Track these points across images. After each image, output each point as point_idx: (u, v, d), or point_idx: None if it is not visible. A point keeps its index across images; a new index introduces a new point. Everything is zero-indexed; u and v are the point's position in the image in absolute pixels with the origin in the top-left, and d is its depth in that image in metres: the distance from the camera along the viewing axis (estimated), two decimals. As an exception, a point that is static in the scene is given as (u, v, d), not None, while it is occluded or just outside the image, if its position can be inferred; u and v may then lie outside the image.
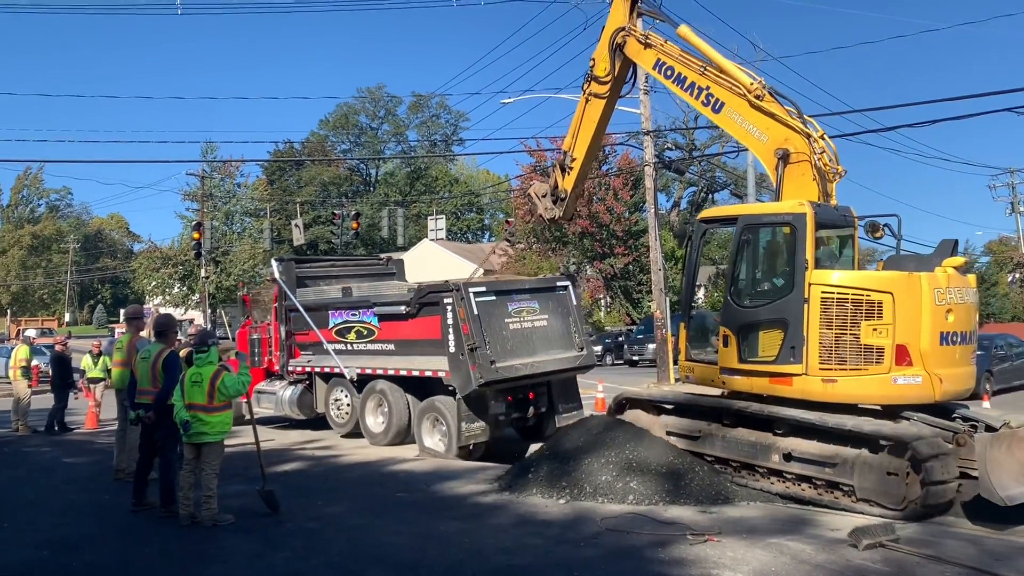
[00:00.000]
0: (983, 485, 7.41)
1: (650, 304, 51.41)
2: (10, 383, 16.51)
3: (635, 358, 34.87)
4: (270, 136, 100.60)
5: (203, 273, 46.19)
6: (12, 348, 19.70)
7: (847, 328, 8.39)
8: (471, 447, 12.03)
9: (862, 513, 7.92)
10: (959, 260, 8.74)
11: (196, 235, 30.78)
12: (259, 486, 8.53)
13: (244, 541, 7.21)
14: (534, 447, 12.35)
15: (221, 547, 7.04)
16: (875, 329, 8.30)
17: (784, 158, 9.08)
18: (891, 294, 8.28)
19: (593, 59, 11.29)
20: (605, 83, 11.12)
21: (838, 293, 8.45)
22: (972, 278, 9.02)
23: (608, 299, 54.79)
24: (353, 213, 32.50)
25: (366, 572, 6.19)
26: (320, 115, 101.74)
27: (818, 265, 8.87)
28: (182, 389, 7.97)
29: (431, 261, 48.51)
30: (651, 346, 34.09)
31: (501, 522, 7.67)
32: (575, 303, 13.24)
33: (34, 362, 16.74)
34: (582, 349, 12.91)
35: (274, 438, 14.26)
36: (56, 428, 15.41)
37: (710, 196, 59.97)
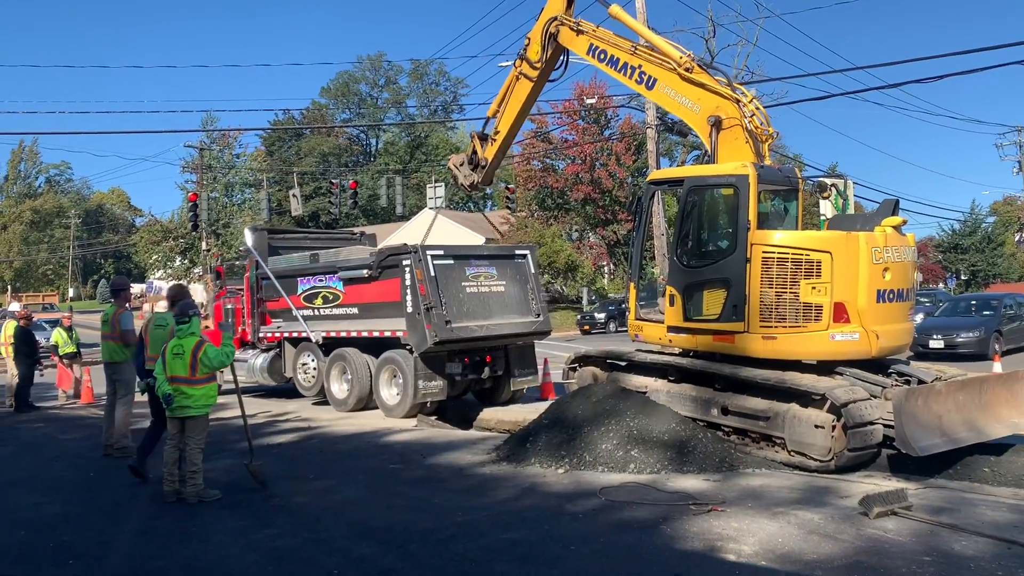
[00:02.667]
0: (898, 436, 7.67)
1: (653, 270, 51.80)
2: (5, 359, 16.58)
3: None
4: (269, 106, 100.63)
5: (204, 246, 46.57)
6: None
7: (787, 287, 8.61)
8: (427, 404, 12.76)
9: (804, 470, 8.18)
10: (897, 219, 8.93)
11: (192, 196, 30.70)
12: (247, 460, 8.40)
13: (229, 518, 7.06)
14: (489, 410, 12.83)
15: (204, 524, 6.85)
16: (814, 287, 8.53)
17: (716, 124, 9.29)
18: (829, 253, 8.49)
19: (528, 38, 11.53)
20: (536, 67, 11.44)
21: (778, 253, 8.65)
22: (910, 236, 9.22)
23: (611, 266, 55.00)
24: (350, 181, 32.69)
25: (353, 549, 6.00)
26: (318, 85, 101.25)
27: (767, 225, 9.13)
28: (164, 362, 7.79)
29: (432, 231, 48.48)
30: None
31: (498, 494, 7.55)
32: (533, 271, 13.87)
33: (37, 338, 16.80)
34: (538, 316, 13.59)
35: (270, 408, 14.51)
36: (25, 407, 15.16)
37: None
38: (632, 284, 10.43)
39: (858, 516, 6.35)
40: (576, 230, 55.17)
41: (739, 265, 8.83)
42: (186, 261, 55.12)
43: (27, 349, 15.58)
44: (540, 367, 14.83)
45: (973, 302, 23.36)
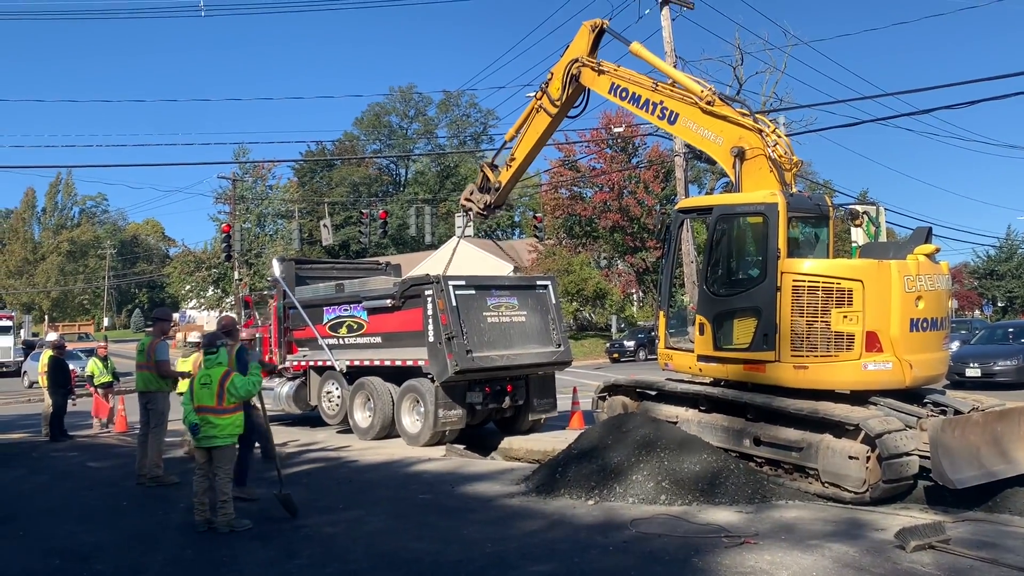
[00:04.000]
0: (935, 468, 7.53)
1: (683, 297, 51.49)
2: (43, 389, 16.80)
3: None
4: (301, 138, 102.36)
5: (236, 275, 47.17)
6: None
7: (818, 315, 8.53)
8: (446, 432, 12.86)
9: (839, 501, 8.03)
10: (930, 247, 8.83)
11: (225, 227, 31.10)
12: (276, 490, 8.41)
13: (260, 548, 7.07)
14: (515, 439, 12.83)
15: (235, 554, 6.88)
16: (845, 316, 8.44)
17: (740, 155, 9.32)
18: (861, 282, 8.41)
19: (551, 73, 11.80)
20: (556, 105, 11.76)
21: (809, 281, 8.59)
22: (944, 265, 9.10)
23: (640, 293, 54.75)
24: (380, 211, 33.05)
25: None
26: (349, 117, 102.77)
27: (798, 253, 9.07)
28: (191, 392, 7.86)
29: (461, 260, 48.62)
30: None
31: (527, 526, 7.47)
32: (554, 302, 14.06)
33: (72, 367, 17.05)
34: (559, 346, 13.75)
35: (298, 437, 14.60)
36: (60, 435, 15.20)
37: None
38: (662, 312, 10.40)
39: (894, 549, 6.25)
40: (605, 257, 55.09)
41: (769, 293, 8.77)
42: (218, 291, 55.88)
43: (60, 379, 15.72)
44: (569, 395, 14.87)
45: (1011, 329, 22.93)
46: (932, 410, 8.42)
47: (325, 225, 32.07)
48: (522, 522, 7.69)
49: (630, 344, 39.79)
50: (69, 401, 16.17)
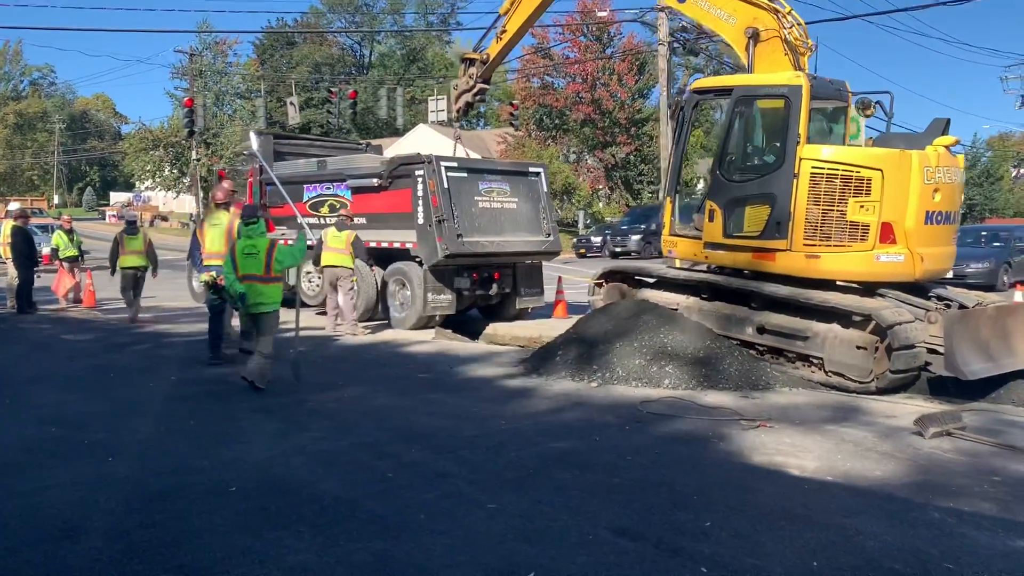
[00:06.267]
0: (948, 360, 7.55)
1: (651, 195, 51.27)
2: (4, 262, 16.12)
3: (617, 249, 34.48)
4: (262, 13, 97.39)
5: (194, 155, 45.64)
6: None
7: (834, 204, 8.35)
8: (436, 317, 12.69)
9: (842, 391, 8.05)
10: (950, 139, 8.61)
11: (187, 101, 29.60)
12: (292, 352, 8.54)
13: (264, 420, 6.87)
14: (499, 325, 12.73)
15: (241, 427, 6.66)
16: (862, 206, 8.27)
17: (753, 36, 8.91)
18: (881, 171, 8.20)
19: None
20: None
21: (828, 169, 8.36)
22: (960, 158, 8.92)
23: (608, 189, 54.40)
24: (350, 90, 31.78)
25: (403, 453, 5.79)
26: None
27: (809, 141, 8.80)
28: (234, 262, 8.05)
29: (428, 148, 47.38)
30: (635, 237, 34.19)
31: (537, 405, 7.40)
32: (545, 190, 13.75)
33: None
34: (549, 235, 13.56)
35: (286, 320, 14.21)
36: (27, 308, 14.83)
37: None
38: (669, 199, 10.10)
39: (910, 435, 6.26)
40: (574, 152, 54.37)
41: (786, 180, 8.53)
42: (175, 171, 54.16)
43: (27, 251, 15.07)
44: (554, 286, 14.73)
45: (983, 233, 23.32)
46: (937, 303, 8.40)
47: (292, 103, 30.89)
48: (530, 401, 7.62)
49: (597, 240, 39.64)
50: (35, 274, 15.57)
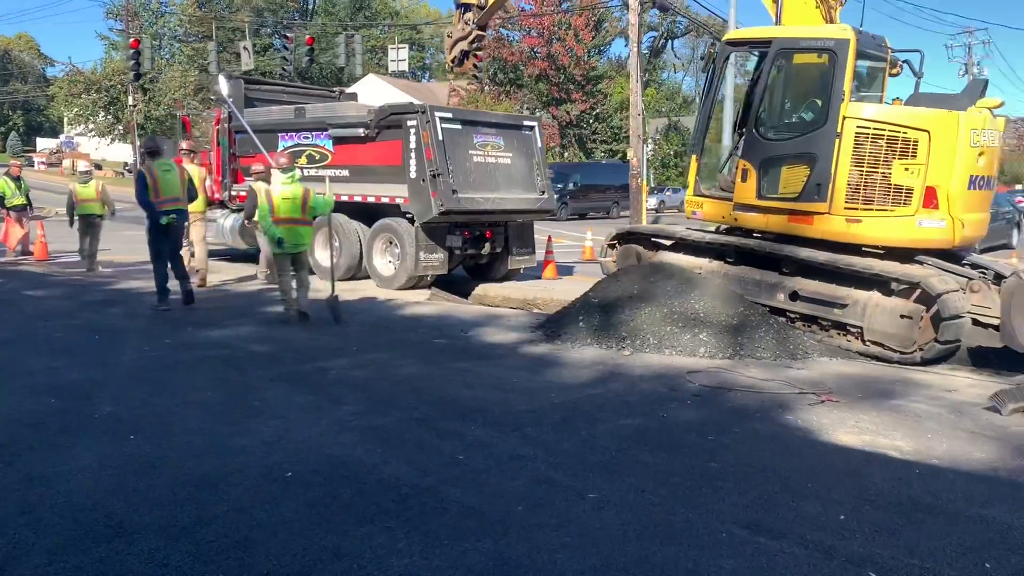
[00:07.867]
0: (1005, 331, 7.27)
1: (603, 154, 50.81)
2: None
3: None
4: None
5: (131, 101, 43.34)
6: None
7: (879, 166, 7.98)
8: (428, 277, 12.09)
9: (882, 360, 7.75)
10: (995, 101, 8.26)
11: (133, 43, 27.63)
12: (328, 297, 9.22)
13: (289, 391, 6.19)
14: (489, 286, 12.21)
15: (265, 399, 5.99)
16: (907, 169, 7.92)
17: None
18: (928, 132, 7.84)
19: None
20: None
21: (873, 128, 7.96)
22: (1002, 121, 8.62)
23: (561, 147, 53.76)
24: (307, 36, 30.25)
25: (465, 432, 5.24)
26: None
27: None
28: (271, 208, 8.89)
29: (377, 99, 45.98)
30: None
31: (576, 375, 6.89)
32: (539, 145, 13.11)
33: None
34: (543, 193, 12.97)
35: (251, 272, 13.23)
36: None
37: (669, 43, 58.20)
38: (694, 157, 9.59)
39: (984, 411, 5.98)
40: (528, 108, 53.49)
41: (828, 140, 8.11)
42: (109, 116, 51.43)
43: None
44: (544, 246, 14.23)
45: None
46: (981, 272, 8.13)
47: (245, 47, 29.26)
48: (566, 370, 7.11)
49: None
50: None
